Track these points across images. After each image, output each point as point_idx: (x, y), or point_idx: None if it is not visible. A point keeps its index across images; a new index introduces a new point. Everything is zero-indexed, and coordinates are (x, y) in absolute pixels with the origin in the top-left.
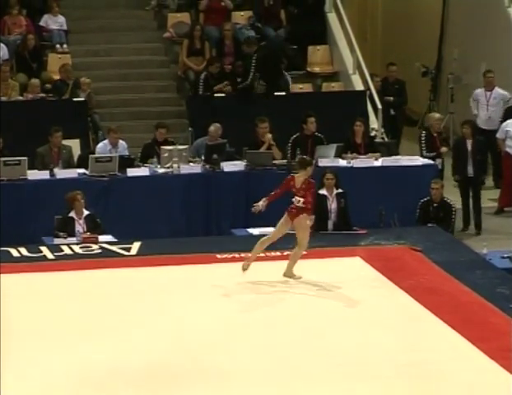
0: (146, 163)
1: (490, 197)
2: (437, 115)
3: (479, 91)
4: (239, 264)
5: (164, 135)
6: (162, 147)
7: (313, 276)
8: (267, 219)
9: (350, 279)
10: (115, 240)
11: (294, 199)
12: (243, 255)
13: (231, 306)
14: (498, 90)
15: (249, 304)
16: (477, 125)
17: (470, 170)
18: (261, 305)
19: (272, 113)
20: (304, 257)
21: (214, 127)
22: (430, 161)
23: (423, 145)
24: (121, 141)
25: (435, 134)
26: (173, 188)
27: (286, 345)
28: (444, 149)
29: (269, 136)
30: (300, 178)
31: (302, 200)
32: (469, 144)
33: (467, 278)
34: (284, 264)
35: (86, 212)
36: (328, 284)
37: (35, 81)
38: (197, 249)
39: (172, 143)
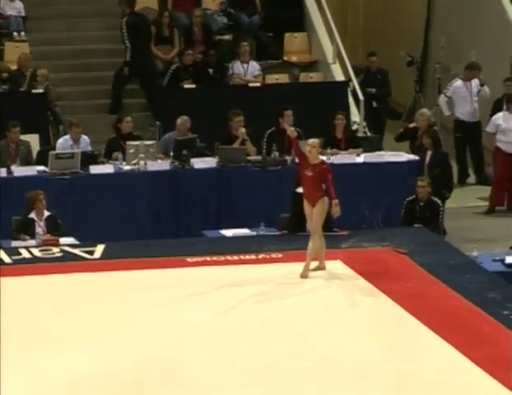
0: (111, 159)
1: (477, 196)
2: (421, 111)
3: (458, 84)
4: (211, 268)
5: (130, 125)
6: (128, 143)
7: (290, 280)
8: (241, 220)
9: (330, 284)
10: (77, 243)
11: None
12: (215, 259)
13: (202, 313)
14: (475, 79)
15: (221, 310)
16: (460, 120)
17: None
18: (234, 312)
19: (246, 106)
20: (280, 260)
21: (181, 120)
22: (416, 157)
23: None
24: (83, 136)
25: (419, 132)
26: (139, 186)
27: (262, 355)
28: None
29: (243, 130)
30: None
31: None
32: (428, 156)
33: (456, 282)
34: (257, 268)
35: (46, 213)
36: (306, 289)
37: None
38: (165, 252)
39: (138, 138)
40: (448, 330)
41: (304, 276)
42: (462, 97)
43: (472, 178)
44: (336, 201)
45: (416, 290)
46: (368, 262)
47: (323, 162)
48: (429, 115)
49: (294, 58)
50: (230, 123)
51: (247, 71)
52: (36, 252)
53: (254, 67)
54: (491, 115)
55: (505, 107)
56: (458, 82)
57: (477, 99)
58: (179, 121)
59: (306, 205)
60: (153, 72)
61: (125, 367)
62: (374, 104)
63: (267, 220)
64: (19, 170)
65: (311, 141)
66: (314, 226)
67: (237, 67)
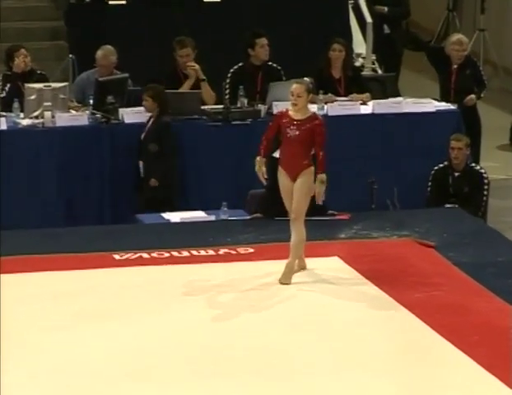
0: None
1: None
2: (455, 37)
3: None
4: (149, 269)
5: (27, 60)
6: (27, 85)
7: (265, 287)
8: (193, 198)
9: (323, 292)
10: None
11: None
12: (154, 255)
13: (132, 335)
14: None
15: (162, 331)
16: None
17: None
18: (180, 332)
19: (201, 32)
20: (251, 257)
21: (103, 52)
22: (450, 106)
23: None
24: None
25: (454, 66)
26: (45, 149)
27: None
28: (471, 97)
29: (196, 67)
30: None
31: None
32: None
33: (507, 290)
34: (217, 269)
35: None
36: (289, 300)
37: None
38: (83, 247)
39: (43, 78)
40: (495, 359)
41: (285, 281)
42: None
43: None
44: (323, 176)
45: (449, 301)
46: (378, 259)
47: (314, 116)
48: (467, 44)
49: None
50: (174, 54)
51: None
52: None
53: None
54: None
55: None
56: None
57: None
58: (99, 53)
59: (284, 178)
60: None
61: None
62: (387, 28)
63: (231, 199)
64: None
65: (295, 86)
66: (299, 208)
67: None
